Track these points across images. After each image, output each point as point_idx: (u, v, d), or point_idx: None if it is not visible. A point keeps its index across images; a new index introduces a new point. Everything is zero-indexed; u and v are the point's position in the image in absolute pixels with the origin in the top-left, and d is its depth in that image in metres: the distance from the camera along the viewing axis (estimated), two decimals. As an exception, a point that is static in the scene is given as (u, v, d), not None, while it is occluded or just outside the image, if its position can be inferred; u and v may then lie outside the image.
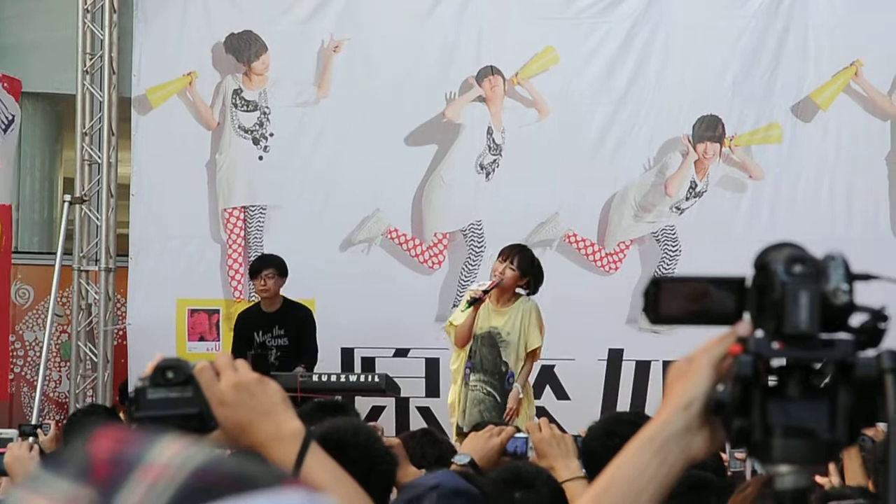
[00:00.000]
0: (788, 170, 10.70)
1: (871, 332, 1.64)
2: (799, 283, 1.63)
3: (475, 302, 8.82)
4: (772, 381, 1.66)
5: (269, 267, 9.93)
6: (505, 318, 8.94)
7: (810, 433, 1.63)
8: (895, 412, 1.58)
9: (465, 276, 10.86)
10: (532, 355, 9.00)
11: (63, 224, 10.84)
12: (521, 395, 8.90)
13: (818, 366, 1.66)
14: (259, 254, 10.73)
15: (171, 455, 1.15)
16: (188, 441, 1.18)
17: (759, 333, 1.66)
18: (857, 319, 1.65)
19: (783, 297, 1.63)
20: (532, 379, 9.24)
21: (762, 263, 1.67)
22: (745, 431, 1.65)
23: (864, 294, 1.69)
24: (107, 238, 11.12)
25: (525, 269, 8.91)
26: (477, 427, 8.16)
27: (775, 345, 1.64)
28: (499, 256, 9.02)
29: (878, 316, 1.64)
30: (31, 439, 4.89)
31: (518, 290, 8.98)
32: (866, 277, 1.66)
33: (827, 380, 1.65)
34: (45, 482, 1.14)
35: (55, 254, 10.84)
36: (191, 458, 1.15)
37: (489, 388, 8.95)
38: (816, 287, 1.63)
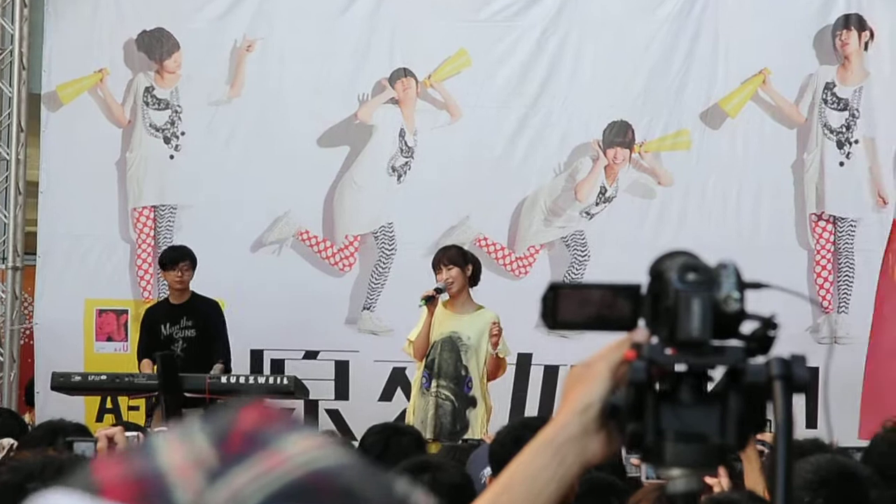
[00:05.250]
0: (697, 176, 10.82)
1: (761, 340, 1.68)
2: (691, 291, 1.66)
3: (430, 300, 8.86)
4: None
5: (185, 259, 9.93)
6: (465, 323, 8.98)
7: (701, 438, 1.67)
8: (783, 418, 1.63)
9: (376, 279, 10.88)
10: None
11: (-31, 221, 10.72)
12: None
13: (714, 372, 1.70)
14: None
15: (301, 450, 1.16)
16: (330, 442, 1.18)
17: (655, 340, 1.70)
18: (748, 327, 1.69)
19: (676, 305, 1.67)
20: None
21: (657, 271, 1.71)
22: (638, 435, 1.68)
23: (759, 301, 1.73)
24: (14, 236, 11.00)
25: (458, 261, 9.01)
26: (438, 437, 8.20)
27: (668, 351, 1.68)
28: (434, 269, 9.08)
29: (768, 324, 1.69)
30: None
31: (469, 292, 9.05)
32: (757, 286, 1.70)
33: (715, 384, 1.69)
34: (192, 434, 1.18)
35: (-39, 251, 10.71)
36: (318, 459, 1.16)
37: (447, 393, 8.95)
38: (708, 295, 1.66)
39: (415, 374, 9.30)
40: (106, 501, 1.15)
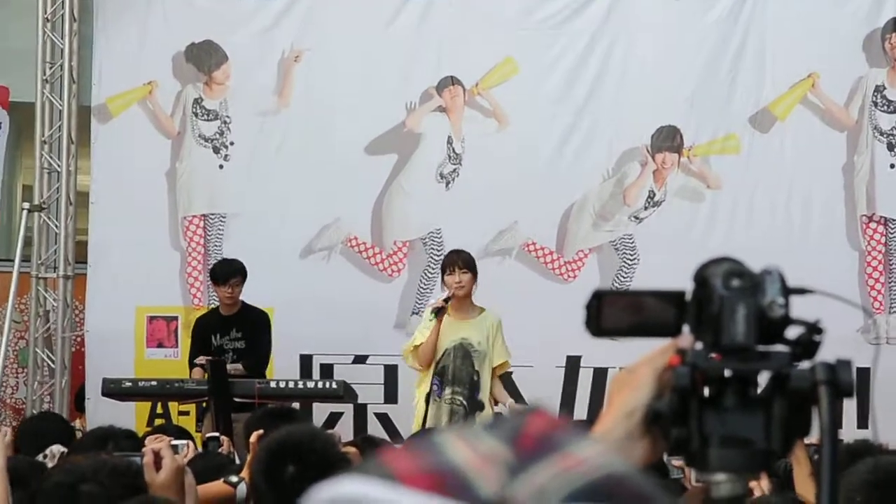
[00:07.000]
0: (746, 180, 10.78)
1: (807, 345, 1.68)
2: (736, 297, 1.67)
3: (440, 311, 8.89)
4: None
5: (236, 275, 9.97)
6: (472, 329, 9.00)
7: (746, 443, 1.67)
8: (827, 422, 1.63)
9: (425, 284, 10.90)
10: (499, 370, 9.08)
11: (21, 231, 10.81)
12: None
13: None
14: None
15: (594, 454, 1.22)
16: (611, 447, 1.23)
17: (699, 345, 1.71)
18: (792, 332, 1.69)
19: (720, 311, 1.67)
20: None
21: (701, 277, 1.71)
22: (682, 440, 1.68)
23: (811, 304, 1.73)
24: (65, 245, 11.09)
25: (473, 266, 9.07)
26: None
27: (713, 356, 1.68)
28: (445, 272, 9.10)
29: (813, 329, 1.69)
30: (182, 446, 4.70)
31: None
32: (801, 291, 1.70)
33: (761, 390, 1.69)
34: (474, 434, 1.24)
35: (13, 261, 10.80)
36: (609, 463, 1.22)
37: (461, 399, 8.97)
38: (753, 301, 1.67)
39: (416, 383, 9.27)
40: (406, 489, 1.19)
